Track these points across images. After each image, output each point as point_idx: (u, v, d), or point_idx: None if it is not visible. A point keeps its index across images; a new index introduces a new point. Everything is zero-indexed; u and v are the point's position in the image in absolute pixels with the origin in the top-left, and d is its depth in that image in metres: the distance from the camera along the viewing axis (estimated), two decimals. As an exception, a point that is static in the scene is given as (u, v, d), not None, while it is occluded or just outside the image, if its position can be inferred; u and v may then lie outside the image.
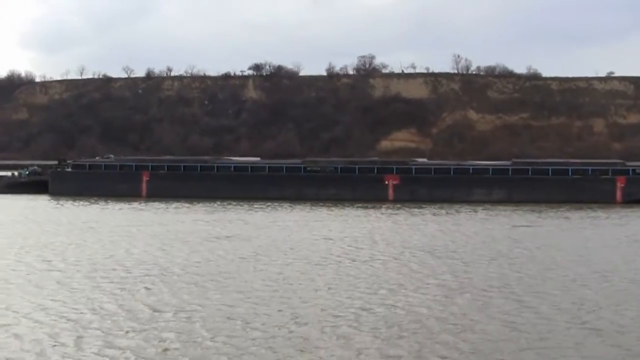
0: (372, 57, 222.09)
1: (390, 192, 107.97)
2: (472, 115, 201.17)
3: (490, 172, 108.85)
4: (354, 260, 49.27)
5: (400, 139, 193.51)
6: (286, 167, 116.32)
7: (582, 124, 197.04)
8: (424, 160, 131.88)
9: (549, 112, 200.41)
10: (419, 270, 45.70)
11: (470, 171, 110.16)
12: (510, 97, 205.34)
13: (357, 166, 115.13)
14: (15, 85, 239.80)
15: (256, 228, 69.40)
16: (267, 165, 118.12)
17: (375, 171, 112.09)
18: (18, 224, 73.56)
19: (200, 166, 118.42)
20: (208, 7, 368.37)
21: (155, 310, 34.87)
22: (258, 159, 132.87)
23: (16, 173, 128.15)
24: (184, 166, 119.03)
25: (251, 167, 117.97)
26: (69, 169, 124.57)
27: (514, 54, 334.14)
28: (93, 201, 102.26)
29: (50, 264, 48.43)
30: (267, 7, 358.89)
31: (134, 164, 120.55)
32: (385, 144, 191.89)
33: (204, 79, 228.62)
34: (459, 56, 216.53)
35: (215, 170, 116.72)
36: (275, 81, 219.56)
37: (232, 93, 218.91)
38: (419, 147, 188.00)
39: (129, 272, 45.14)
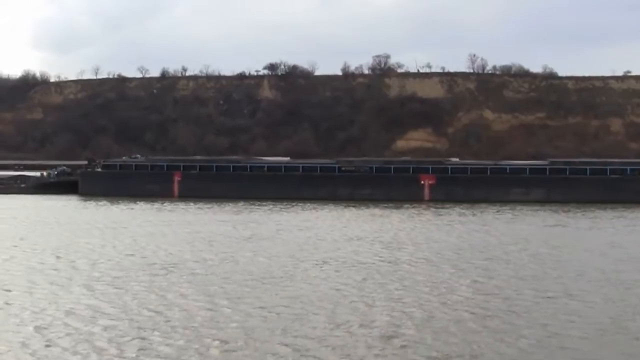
0: (387, 57, 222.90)
1: (427, 192, 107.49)
2: (488, 114, 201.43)
3: (528, 172, 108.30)
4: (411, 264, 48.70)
5: (416, 139, 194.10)
6: (320, 167, 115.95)
7: (599, 124, 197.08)
8: (456, 160, 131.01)
9: (566, 111, 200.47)
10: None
11: (508, 171, 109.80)
12: (527, 97, 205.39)
13: (392, 166, 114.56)
14: (29, 86, 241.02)
15: (288, 229, 69.09)
16: (300, 165, 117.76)
17: (411, 171, 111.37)
18: (50, 225, 73.54)
19: (233, 166, 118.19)
20: (216, 7, 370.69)
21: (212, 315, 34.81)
22: (288, 158, 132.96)
23: (45, 173, 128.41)
24: (216, 166, 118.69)
25: (284, 167, 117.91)
26: (99, 169, 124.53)
27: (530, 54, 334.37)
28: (124, 202, 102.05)
29: (85, 265, 48.29)
30: (275, 7, 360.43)
31: (165, 164, 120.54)
32: (401, 143, 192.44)
33: (218, 78, 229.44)
34: (474, 55, 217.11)
35: (248, 170, 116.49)
36: (291, 81, 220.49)
37: (247, 93, 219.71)
38: (434, 147, 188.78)
39: (166, 272, 45.20)
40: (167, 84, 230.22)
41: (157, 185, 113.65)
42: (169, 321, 33.50)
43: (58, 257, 51.75)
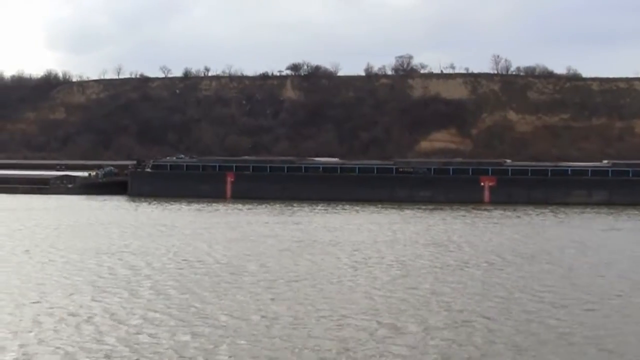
0: (410, 57, 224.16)
1: (487, 193, 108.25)
2: (512, 116, 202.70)
3: (590, 174, 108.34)
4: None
5: (439, 140, 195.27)
6: (377, 167, 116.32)
7: (623, 125, 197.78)
8: (509, 161, 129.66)
9: (590, 112, 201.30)
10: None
11: (569, 172, 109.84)
12: (551, 98, 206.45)
13: (450, 167, 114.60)
14: (52, 85, 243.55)
15: (348, 231, 69.47)
16: (357, 166, 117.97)
17: (470, 172, 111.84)
18: (101, 226, 73.71)
19: (287, 167, 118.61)
20: (232, 7, 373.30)
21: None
22: (337, 159, 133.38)
23: (92, 173, 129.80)
24: (270, 167, 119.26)
25: (340, 167, 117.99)
26: (149, 170, 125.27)
27: (553, 54, 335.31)
28: (176, 202, 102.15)
29: (139, 268, 48.13)
30: (291, 7, 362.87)
31: (217, 164, 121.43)
32: (424, 144, 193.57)
33: (241, 78, 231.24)
34: (498, 56, 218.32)
35: (303, 171, 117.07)
36: (313, 81, 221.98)
37: (270, 93, 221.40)
38: (458, 148, 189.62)
39: (225, 277, 45.01)
40: (190, 84, 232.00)
41: (210, 186, 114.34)
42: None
43: (121, 260, 51.71)
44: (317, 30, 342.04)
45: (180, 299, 39.06)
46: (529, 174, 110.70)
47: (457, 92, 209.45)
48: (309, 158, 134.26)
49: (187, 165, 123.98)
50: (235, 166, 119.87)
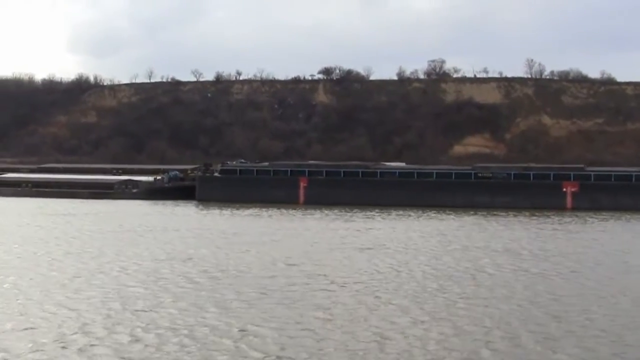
0: (442, 62, 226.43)
1: (569, 199, 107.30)
2: (546, 120, 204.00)
3: None
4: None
5: (473, 144, 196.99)
6: (455, 173, 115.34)
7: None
8: (582, 166, 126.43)
9: (624, 117, 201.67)
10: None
11: None
12: (585, 102, 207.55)
13: (531, 172, 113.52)
14: (83, 89, 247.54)
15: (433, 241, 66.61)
16: (434, 171, 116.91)
17: (552, 177, 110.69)
18: (176, 232, 72.44)
19: (362, 172, 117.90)
20: (253, 11, 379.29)
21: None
22: (403, 164, 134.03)
23: (158, 178, 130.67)
24: (343, 172, 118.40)
25: (417, 172, 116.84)
26: (217, 174, 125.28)
27: (587, 58, 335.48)
28: (247, 208, 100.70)
29: (215, 280, 45.57)
30: (314, 12, 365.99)
31: (289, 169, 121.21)
32: (458, 149, 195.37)
33: (273, 82, 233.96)
34: (532, 60, 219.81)
35: (378, 176, 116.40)
36: (345, 85, 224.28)
37: (302, 97, 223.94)
38: (492, 153, 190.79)
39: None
40: (222, 87, 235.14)
41: (282, 191, 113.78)
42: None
43: (205, 270, 49.07)
44: (340, 34, 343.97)
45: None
46: (613, 179, 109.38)
47: (491, 96, 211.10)
48: (381, 163, 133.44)
49: (257, 170, 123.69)
50: (308, 171, 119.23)
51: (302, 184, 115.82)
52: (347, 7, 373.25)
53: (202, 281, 44.83)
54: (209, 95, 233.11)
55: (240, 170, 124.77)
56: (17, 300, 38.87)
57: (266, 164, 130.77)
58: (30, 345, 30.20)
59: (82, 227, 76.59)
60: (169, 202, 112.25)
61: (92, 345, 30.53)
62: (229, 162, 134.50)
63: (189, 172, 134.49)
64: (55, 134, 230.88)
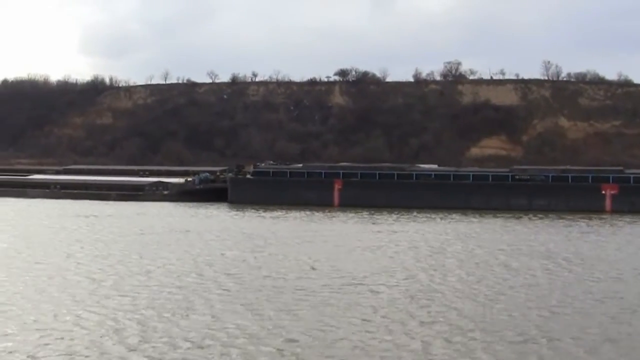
0: (459, 63, 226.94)
1: (608, 202, 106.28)
2: (564, 122, 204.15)
3: None
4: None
5: (490, 146, 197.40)
6: (492, 175, 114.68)
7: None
8: (621, 168, 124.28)
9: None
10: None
11: None
12: (602, 104, 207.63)
13: (569, 175, 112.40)
14: (98, 90, 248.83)
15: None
16: (471, 174, 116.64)
17: (590, 180, 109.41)
18: (214, 233, 72.58)
19: (397, 174, 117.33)
20: (263, 13, 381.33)
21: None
22: (435, 166, 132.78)
23: (189, 179, 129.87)
24: (378, 174, 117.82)
25: (453, 175, 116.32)
26: (249, 176, 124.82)
27: (603, 59, 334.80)
28: (279, 210, 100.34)
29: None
30: (323, 14, 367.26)
31: (323, 171, 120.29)
32: (475, 151, 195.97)
33: (289, 84, 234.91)
34: (549, 62, 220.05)
35: (414, 178, 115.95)
36: (362, 87, 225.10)
37: (318, 99, 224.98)
38: (509, 155, 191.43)
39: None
40: (237, 89, 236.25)
41: (316, 193, 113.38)
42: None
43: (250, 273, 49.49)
44: (352, 36, 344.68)
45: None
46: None
47: (508, 98, 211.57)
48: (417, 165, 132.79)
49: (290, 172, 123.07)
50: (342, 173, 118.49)
51: (337, 186, 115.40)
52: (356, 8, 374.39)
53: (239, 286, 44.98)
54: (225, 96, 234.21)
55: (273, 172, 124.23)
56: (49, 306, 38.84)
57: (300, 165, 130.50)
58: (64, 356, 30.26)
59: (118, 229, 77.04)
60: (200, 204, 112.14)
61: (130, 350, 30.90)
62: (260, 164, 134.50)
63: (218, 173, 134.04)
64: (71, 135, 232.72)
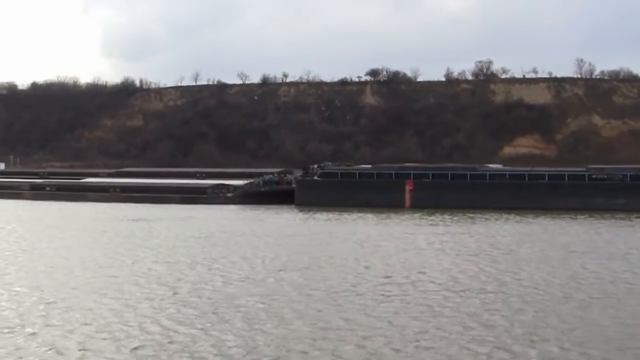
0: (490, 62, 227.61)
1: None
2: (597, 120, 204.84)
3: None
4: None
5: (523, 145, 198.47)
6: (568, 174, 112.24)
7: None
8: None
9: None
10: None
11: None
12: (636, 102, 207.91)
13: None
14: (129, 92, 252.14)
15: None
16: (546, 173, 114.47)
17: None
18: (283, 238, 70.70)
19: (470, 174, 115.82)
20: (287, 14, 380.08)
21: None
22: (500, 165, 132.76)
23: (254, 181, 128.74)
24: (451, 174, 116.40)
25: (528, 174, 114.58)
26: (317, 178, 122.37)
27: (636, 57, 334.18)
28: (349, 212, 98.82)
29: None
30: (347, 14, 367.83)
31: (393, 172, 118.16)
32: (508, 150, 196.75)
33: (320, 84, 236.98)
34: (582, 60, 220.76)
35: (487, 178, 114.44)
36: (393, 87, 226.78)
37: (349, 99, 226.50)
38: (543, 154, 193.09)
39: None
40: (268, 90, 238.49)
41: (386, 195, 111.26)
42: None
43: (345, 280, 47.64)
44: (379, 36, 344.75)
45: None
46: None
47: (541, 96, 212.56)
48: (486, 165, 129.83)
49: (359, 174, 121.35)
50: (413, 174, 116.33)
51: (408, 187, 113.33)
52: (380, 8, 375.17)
53: (323, 293, 43.63)
54: (256, 97, 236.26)
55: (341, 173, 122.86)
56: (127, 314, 38.18)
57: (369, 166, 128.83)
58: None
59: (188, 233, 75.68)
60: (266, 207, 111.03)
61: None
62: (327, 164, 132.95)
63: (282, 175, 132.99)
64: (102, 137, 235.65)
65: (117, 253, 60.70)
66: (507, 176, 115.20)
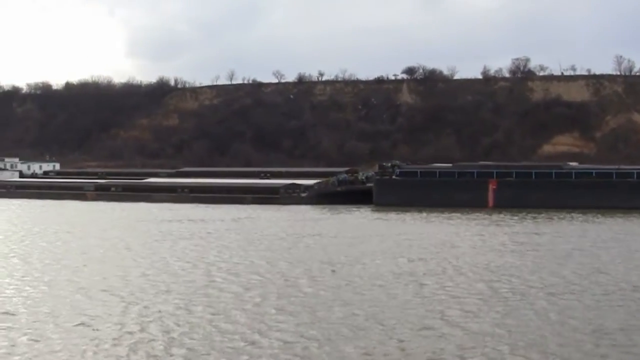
0: (527, 59, 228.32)
1: None
2: (637, 118, 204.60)
3: None
4: None
5: (562, 143, 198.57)
6: None
7: None
8: None
9: None
10: None
11: None
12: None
13: None
14: (164, 92, 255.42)
15: None
16: (635, 171, 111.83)
17: None
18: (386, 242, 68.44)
19: (555, 172, 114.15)
20: (312, 12, 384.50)
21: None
22: (576, 163, 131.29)
23: (329, 181, 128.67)
24: (535, 173, 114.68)
25: (615, 172, 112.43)
26: (395, 177, 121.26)
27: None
28: (431, 212, 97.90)
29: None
30: (375, 11, 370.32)
31: (475, 170, 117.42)
32: (547, 148, 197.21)
33: (356, 83, 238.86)
34: (621, 57, 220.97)
35: (573, 177, 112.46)
36: (430, 85, 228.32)
37: (386, 97, 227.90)
38: (582, 152, 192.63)
39: None
40: (304, 88, 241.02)
41: (468, 194, 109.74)
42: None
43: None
44: (410, 33, 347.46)
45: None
46: None
47: (579, 94, 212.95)
48: (568, 164, 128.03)
49: (440, 173, 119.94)
50: (496, 172, 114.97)
51: (491, 186, 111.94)
52: (408, 5, 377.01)
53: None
54: (292, 96, 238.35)
55: (421, 172, 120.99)
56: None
57: (449, 165, 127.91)
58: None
59: (275, 235, 74.50)
60: (343, 207, 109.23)
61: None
62: (395, 163, 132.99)
63: (355, 175, 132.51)
64: (138, 137, 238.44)
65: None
66: (594, 174, 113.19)
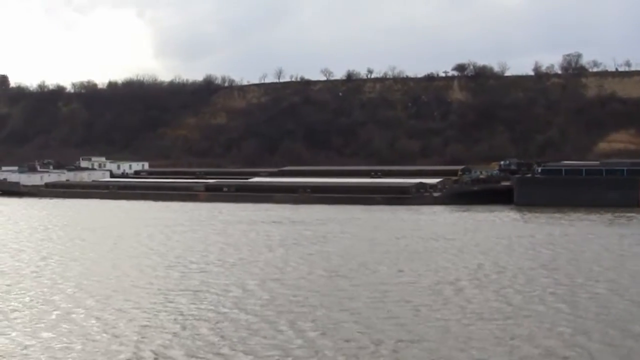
0: (579, 55, 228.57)
1: None
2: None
3: None
4: None
5: (618, 141, 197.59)
6: None
7: None
8: None
9: None
10: None
11: None
12: None
13: None
14: (212, 90, 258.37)
15: None
16: None
17: None
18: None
19: None
20: (338, 11, 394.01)
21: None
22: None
23: (459, 178, 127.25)
24: None
25: None
26: (538, 175, 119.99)
27: None
28: (581, 212, 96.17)
29: None
30: (399, 10, 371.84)
31: (624, 168, 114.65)
32: (602, 145, 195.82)
33: (406, 80, 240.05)
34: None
35: None
36: (480, 82, 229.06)
37: (436, 94, 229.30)
38: (639, 149, 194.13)
39: None
40: (353, 86, 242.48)
41: (617, 193, 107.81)
42: None
43: None
44: (442, 30, 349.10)
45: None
46: None
47: (635, 90, 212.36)
48: None
49: (586, 170, 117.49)
50: None
51: None
52: (436, 3, 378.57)
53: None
54: (340, 94, 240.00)
55: (565, 170, 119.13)
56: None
57: (596, 162, 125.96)
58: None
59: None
60: (481, 207, 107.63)
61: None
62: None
63: (489, 173, 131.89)
64: (186, 136, 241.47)
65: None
66: None
